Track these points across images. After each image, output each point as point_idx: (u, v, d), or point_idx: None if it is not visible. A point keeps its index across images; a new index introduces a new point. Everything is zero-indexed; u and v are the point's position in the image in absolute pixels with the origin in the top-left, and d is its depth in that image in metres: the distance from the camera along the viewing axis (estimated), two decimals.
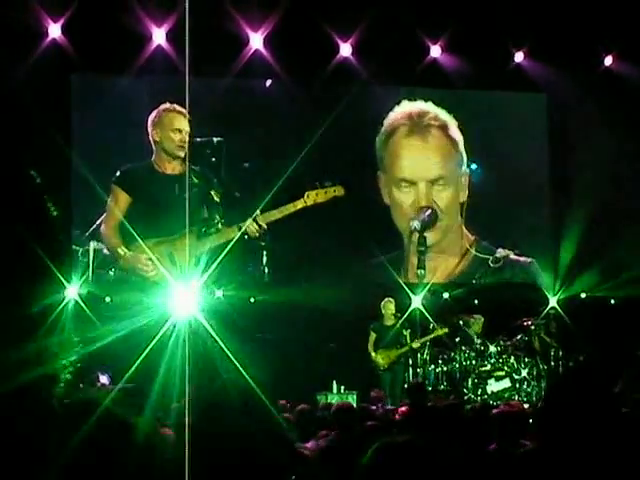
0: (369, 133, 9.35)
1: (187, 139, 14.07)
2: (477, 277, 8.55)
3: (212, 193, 13.78)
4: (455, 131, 8.62)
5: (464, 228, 8.69)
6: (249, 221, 12.40)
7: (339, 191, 11.80)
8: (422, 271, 7.46)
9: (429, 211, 7.95)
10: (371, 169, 9.94)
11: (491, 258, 8.41)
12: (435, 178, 8.37)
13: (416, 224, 8.00)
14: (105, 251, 13.79)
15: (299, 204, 12.29)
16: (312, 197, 12.38)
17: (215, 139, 14.18)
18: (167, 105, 14.25)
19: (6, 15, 11.71)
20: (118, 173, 13.85)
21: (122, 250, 13.32)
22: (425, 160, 8.20)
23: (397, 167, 8.39)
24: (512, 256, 8.94)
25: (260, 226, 12.40)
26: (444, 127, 8.17)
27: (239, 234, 12.52)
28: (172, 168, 14.24)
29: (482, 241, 8.81)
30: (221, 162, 14.00)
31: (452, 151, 8.16)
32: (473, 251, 8.22)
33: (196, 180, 13.93)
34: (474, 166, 9.98)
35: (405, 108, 8.54)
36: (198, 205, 13.75)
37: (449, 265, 8.29)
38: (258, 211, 12.52)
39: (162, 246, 13.27)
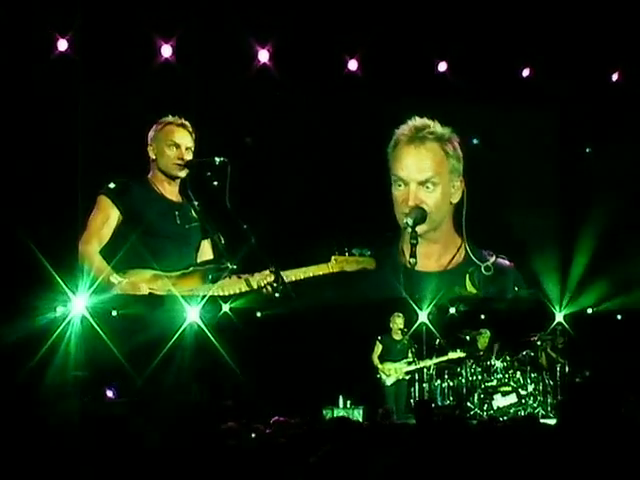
0: (382, 143, 10.64)
1: (188, 156, 12.88)
2: (470, 271, 9.87)
3: (219, 236, 12.55)
4: (451, 144, 9.99)
5: (458, 232, 9.97)
6: (267, 275, 11.79)
7: (370, 264, 11.12)
8: (413, 259, 9.15)
9: (419, 210, 9.45)
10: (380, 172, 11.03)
11: (483, 266, 9.67)
12: (424, 180, 9.82)
13: (408, 220, 9.52)
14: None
15: (324, 269, 11.62)
16: (339, 263, 11.70)
17: (217, 159, 12.63)
18: (169, 117, 13.16)
19: (16, 27, 11.64)
20: (112, 185, 12.64)
21: (116, 278, 12.24)
22: (418, 164, 9.71)
23: (396, 168, 9.98)
24: (498, 260, 10.16)
25: (278, 281, 11.39)
26: (440, 139, 9.70)
27: (248, 286, 12.11)
28: (171, 192, 13.00)
29: (472, 244, 10.00)
30: (225, 186, 12.48)
31: (444, 160, 9.63)
32: (467, 249, 9.55)
33: (195, 214, 12.82)
34: (475, 141, 11.15)
35: (410, 122, 10.08)
36: (199, 242, 12.88)
37: (441, 256, 9.78)
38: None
39: (160, 281, 12.41)
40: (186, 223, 12.85)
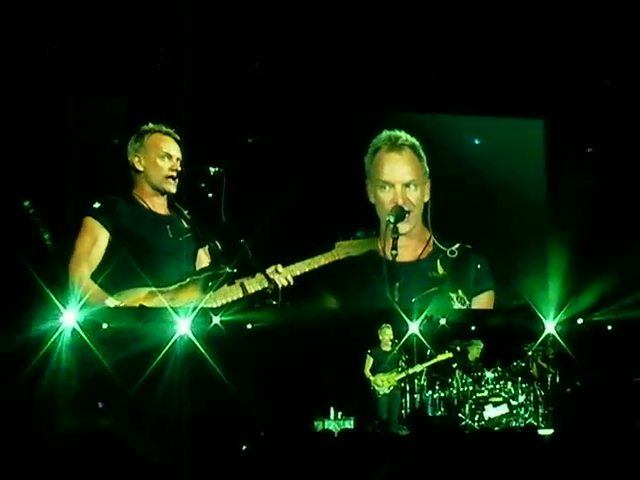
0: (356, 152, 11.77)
1: (179, 167, 12.00)
2: (440, 257, 11.12)
3: (215, 242, 12.06)
4: (421, 150, 11.23)
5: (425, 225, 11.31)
6: (272, 272, 11.67)
7: (375, 245, 11.54)
8: (395, 251, 10.40)
9: (399, 209, 10.72)
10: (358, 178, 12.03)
11: (448, 250, 11.01)
12: (408, 182, 11.04)
13: (390, 218, 10.74)
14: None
15: (329, 257, 11.71)
16: (345, 248, 11.76)
17: (212, 169, 12.03)
18: (151, 125, 12.22)
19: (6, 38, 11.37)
20: (97, 205, 11.84)
21: (111, 302, 11.78)
22: (400, 168, 10.93)
23: (380, 173, 11.02)
24: (464, 246, 11.40)
25: (273, 287, 11.63)
26: (413, 147, 11.01)
27: (244, 291, 11.93)
28: (160, 205, 12.15)
29: (438, 235, 11.35)
30: (221, 197, 11.90)
31: (419, 164, 10.98)
32: (434, 240, 11.00)
33: (186, 225, 12.15)
34: (477, 141, 12.36)
35: (384, 134, 11.26)
36: (194, 251, 12.27)
37: (416, 248, 11.04)
38: (279, 266, 11.84)
39: (156, 298, 12.08)
40: (178, 236, 12.21)
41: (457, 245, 11.53)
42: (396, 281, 11.06)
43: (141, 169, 12.16)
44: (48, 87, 11.79)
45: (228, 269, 12.03)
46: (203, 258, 12.60)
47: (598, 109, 13.38)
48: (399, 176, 11.34)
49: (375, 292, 12.11)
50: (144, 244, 12.00)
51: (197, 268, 12.58)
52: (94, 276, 11.88)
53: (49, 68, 11.71)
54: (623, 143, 13.31)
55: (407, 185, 11.31)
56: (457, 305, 12.22)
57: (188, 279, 12.32)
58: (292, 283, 11.83)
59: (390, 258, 10.95)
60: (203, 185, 12.04)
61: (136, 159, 12.12)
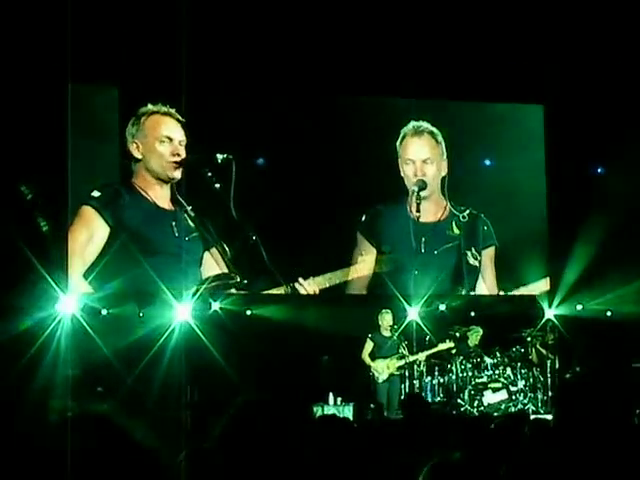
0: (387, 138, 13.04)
1: (182, 152, 10.85)
2: (455, 219, 12.94)
3: (223, 245, 10.86)
4: (439, 137, 12.87)
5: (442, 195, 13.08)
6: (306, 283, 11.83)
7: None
8: (418, 213, 12.12)
9: (421, 181, 12.58)
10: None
11: (460, 215, 12.92)
12: (424, 159, 12.66)
13: (415, 188, 12.42)
14: None
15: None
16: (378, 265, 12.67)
17: (220, 156, 10.93)
18: (149, 106, 10.95)
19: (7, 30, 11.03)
20: (96, 193, 10.66)
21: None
22: (420, 149, 12.63)
23: (405, 153, 12.67)
24: (472, 211, 13.18)
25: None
26: (432, 133, 12.71)
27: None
28: (164, 198, 10.90)
29: (452, 203, 13.13)
30: (230, 188, 10.78)
31: (435, 146, 12.68)
32: (450, 207, 12.98)
33: (192, 224, 10.98)
34: (488, 162, 13.63)
35: (411, 123, 12.91)
36: (201, 255, 11.10)
37: (436, 212, 12.76)
38: (311, 279, 11.95)
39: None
40: (184, 235, 10.97)
41: (467, 211, 12.94)
42: (422, 237, 12.37)
43: (139, 156, 11.02)
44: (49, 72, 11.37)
45: (239, 278, 11.26)
46: (210, 263, 11.61)
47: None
48: (418, 154, 12.78)
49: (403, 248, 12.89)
50: (148, 243, 10.90)
51: (203, 274, 11.59)
52: (86, 275, 10.95)
53: (48, 54, 11.37)
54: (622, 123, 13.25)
55: (424, 161, 12.70)
56: (471, 260, 13.16)
57: (197, 294, 11.39)
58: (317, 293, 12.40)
59: (416, 219, 12.40)
60: (209, 174, 10.95)
61: (133, 146, 11.00)
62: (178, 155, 10.81)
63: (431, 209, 12.69)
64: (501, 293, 13.54)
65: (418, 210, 12.28)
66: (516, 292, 13.66)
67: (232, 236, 11.33)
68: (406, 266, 12.66)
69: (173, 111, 11.02)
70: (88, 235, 10.80)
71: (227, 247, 11.33)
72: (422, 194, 12.46)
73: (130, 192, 10.96)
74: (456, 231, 12.85)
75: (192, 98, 10.82)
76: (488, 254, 13.42)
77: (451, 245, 12.89)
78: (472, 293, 13.35)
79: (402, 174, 12.96)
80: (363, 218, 12.55)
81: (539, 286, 13.69)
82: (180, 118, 10.97)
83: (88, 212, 10.72)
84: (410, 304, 13.03)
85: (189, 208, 11.08)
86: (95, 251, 10.77)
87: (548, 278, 13.65)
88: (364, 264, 12.58)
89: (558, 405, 4.00)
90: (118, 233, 10.72)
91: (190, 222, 11.01)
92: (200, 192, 11.08)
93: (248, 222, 11.14)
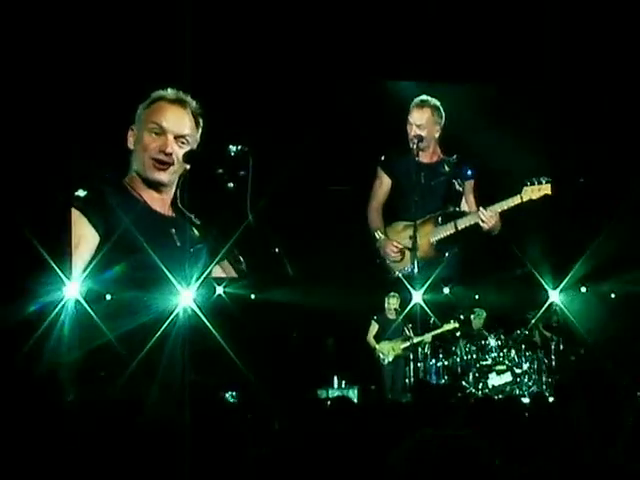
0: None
1: (177, 149, 9.05)
2: (446, 161, 14.12)
3: (239, 257, 9.39)
4: (440, 110, 13.97)
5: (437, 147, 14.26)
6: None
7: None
8: (418, 158, 13.67)
9: (419, 136, 13.83)
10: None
11: (450, 159, 14.09)
12: (419, 124, 13.93)
13: (414, 139, 13.77)
14: None
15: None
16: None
17: (233, 148, 9.04)
18: (161, 92, 9.31)
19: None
20: (82, 193, 9.02)
21: None
22: (419, 116, 13.92)
23: (410, 118, 14.00)
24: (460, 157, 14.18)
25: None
26: (433, 107, 13.91)
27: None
28: (159, 202, 9.26)
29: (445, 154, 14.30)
30: (247, 189, 8.80)
31: (431, 116, 13.95)
32: (441, 155, 14.22)
33: (196, 232, 9.43)
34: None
35: (417, 98, 14.06)
36: (207, 264, 9.49)
37: (431, 157, 14.14)
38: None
39: None
40: (188, 245, 9.45)
41: (455, 156, 14.13)
42: (421, 172, 13.69)
43: (131, 147, 9.51)
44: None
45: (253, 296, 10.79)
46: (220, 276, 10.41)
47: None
48: (416, 120, 13.99)
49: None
50: (149, 257, 9.21)
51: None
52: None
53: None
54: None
55: (419, 126, 13.91)
56: (457, 186, 14.08)
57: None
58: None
59: (417, 159, 13.82)
60: (220, 171, 9.13)
61: (130, 132, 9.48)
62: (165, 154, 9.18)
63: (427, 155, 14.16)
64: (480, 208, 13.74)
65: (418, 155, 13.81)
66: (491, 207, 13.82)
67: (250, 248, 9.85)
68: (409, 192, 13.75)
69: (188, 99, 9.48)
70: (74, 242, 9.38)
71: (242, 259, 9.99)
72: (420, 145, 13.93)
73: (120, 191, 9.48)
74: (447, 168, 14.14)
75: (197, 88, 9.73)
76: (469, 183, 14.33)
77: (443, 179, 14.09)
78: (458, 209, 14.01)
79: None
80: (383, 158, 14.13)
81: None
82: (194, 108, 9.47)
83: (74, 216, 9.29)
84: (415, 288, 13.04)
85: (192, 215, 9.68)
86: (80, 262, 9.39)
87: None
88: (381, 190, 14.12)
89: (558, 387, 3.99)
90: (109, 241, 9.22)
91: (195, 231, 9.69)
92: (208, 193, 9.56)
93: (268, 228, 9.33)
